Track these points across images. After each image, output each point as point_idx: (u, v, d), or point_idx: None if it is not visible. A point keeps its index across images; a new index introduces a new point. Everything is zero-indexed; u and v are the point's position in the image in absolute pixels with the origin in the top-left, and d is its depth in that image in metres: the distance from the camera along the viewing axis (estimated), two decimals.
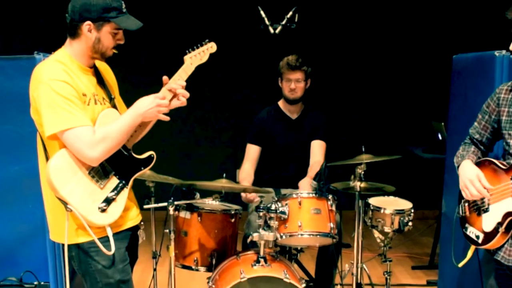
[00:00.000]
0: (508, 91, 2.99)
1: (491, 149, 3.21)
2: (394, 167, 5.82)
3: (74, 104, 2.80)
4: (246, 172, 4.70)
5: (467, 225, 3.07)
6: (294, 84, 4.63)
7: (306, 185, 4.42)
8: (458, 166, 3.12)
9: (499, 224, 2.82)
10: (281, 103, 4.85)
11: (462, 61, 4.12)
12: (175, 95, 3.02)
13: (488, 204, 2.91)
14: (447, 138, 4.47)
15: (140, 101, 2.96)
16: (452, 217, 3.75)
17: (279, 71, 4.73)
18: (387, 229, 4.47)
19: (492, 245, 2.87)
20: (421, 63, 7.55)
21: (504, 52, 3.45)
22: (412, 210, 4.50)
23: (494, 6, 6.73)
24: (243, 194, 4.34)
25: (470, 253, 3.15)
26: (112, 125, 2.91)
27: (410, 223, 4.46)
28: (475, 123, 3.20)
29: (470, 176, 2.96)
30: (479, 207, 2.99)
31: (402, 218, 4.43)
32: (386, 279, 4.79)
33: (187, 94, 3.03)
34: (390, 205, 4.54)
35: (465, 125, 3.93)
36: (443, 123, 5.90)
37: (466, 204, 3.11)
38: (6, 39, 7.14)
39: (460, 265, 3.21)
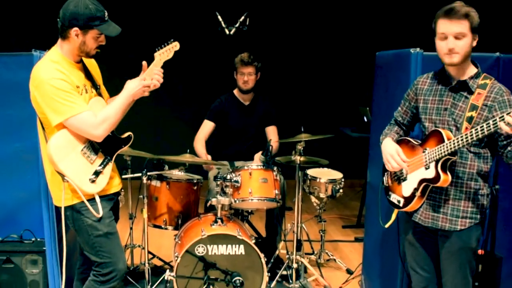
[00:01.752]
0: (424, 82, 3.05)
1: (412, 128, 3.25)
2: (328, 144, 5.83)
3: (73, 95, 2.89)
4: (200, 142, 4.80)
5: (390, 193, 3.11)
6: (246, 77, 4.73)
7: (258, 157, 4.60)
8: (381, 142, 3.15)
9: (415, 189, 2.90)
10: (236, 92, 4.93)
11: (384, 57, 4.10)
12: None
13: (406, 174, 2.99)
14: (371, 120, 4.40)
15: (128, 84, 3.05)
16: (375, 185, 3.78)
17: (234, 65, 4.81)
18: (322, 195, 4.62)
19: (411, 207, 2.95)
20: (350, 59, 7.67)
21: (418, 49, 3.44)
22: (343, 180, 4.66)
23: (411, 10, 6.95)
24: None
25: (394, 216, 3.19)
26: (110, 107, 3.01)
27: (341, 190, 4.63)
28: (399, 108, 3.21)
29: (391, 152, 2.98)
30: (399, 177, 3.04)
31: (334, 186, 4.58)
32: (321, 236, 5.00)
33: (161, 79, 3.08)
34: (325, 175, 4.67)
35: (386, 110, 3.95)
36: (368, 108, 5.98)
37: (389, 176, 3.15)
38: (5, 38, 7.04)
39: (387, 226, 3.25)
